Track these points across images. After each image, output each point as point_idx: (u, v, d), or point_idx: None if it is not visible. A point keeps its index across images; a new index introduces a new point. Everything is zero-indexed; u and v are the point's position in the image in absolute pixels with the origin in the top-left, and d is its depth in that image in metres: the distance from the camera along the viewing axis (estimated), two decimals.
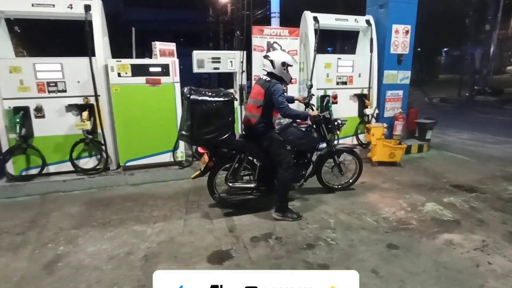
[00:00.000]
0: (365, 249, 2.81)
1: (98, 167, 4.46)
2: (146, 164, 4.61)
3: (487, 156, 5.71)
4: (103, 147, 4.43)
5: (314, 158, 3.88)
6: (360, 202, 3.81)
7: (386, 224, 3.27)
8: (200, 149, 3.47)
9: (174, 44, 4.78)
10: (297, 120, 3.74)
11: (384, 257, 2.69)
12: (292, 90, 5.33)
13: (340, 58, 5.39)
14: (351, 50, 6.18)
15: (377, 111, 5.47)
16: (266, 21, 10.76)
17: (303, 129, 3.69)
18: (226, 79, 5.40)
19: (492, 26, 16.91)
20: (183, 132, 3.16)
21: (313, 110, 3.72)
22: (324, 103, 5.26)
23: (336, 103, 5.38)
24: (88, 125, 4.20)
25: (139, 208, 3.70)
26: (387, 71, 5.65)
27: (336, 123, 3.78)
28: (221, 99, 3.02)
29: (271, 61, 3.29)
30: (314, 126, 3.69)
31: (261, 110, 3.26)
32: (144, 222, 3.35)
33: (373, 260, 2.64)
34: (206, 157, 3.38)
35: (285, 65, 3.29)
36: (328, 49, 21.82)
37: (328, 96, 5.32)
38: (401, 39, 5.59)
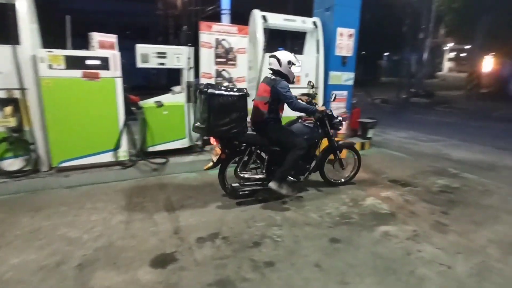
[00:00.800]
0: (310, 245, 2.89)
1: (25, 168, 4.02)
2: (84, 165, 4.26)
3: (420, 153, 6.26)
4: (32, 147, 4.00)
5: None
6: (306, 198, 3.92)
7: (329, 219, 3.40)
8: (213, 141, 3.57)
9: (115, 36, 4.49)
10: (302, 117, 3.97)
11: (327, 251, 2.79)
12: None
13: None
14: (301, 50, 6.34)
15: None
16: (218, 17, 10.65)
17: (308, 125, 3.87)
18: (175, 75, 5.19)
19: (425, 35, 18.67)
20: (199, 124, 3.35)
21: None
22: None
23: None
24: (12, 122, 3.76)
25: (75, 213, 3.40)
26: (332, 72, 5.90)
27: (338, 119, 3.98)
28: (236, 93, 3.23)
29: (278, 60, 3.56)
30: (318, 122, 3.89)
31: (268, 106, 3.53)
32: (80, 228, 3.09)
33: (317, 255, 2.72)
34: (218, 150, 3.52)
35: (290, 63, 3.59)
36: (279, 48, 22.29)
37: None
38: (345, 42, 5.87)
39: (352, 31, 5.90)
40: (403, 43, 19.70)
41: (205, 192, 4.00)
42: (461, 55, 35.48)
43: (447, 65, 37.97)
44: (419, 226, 3.29)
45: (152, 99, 4.77)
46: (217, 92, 3.14)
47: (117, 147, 4.37)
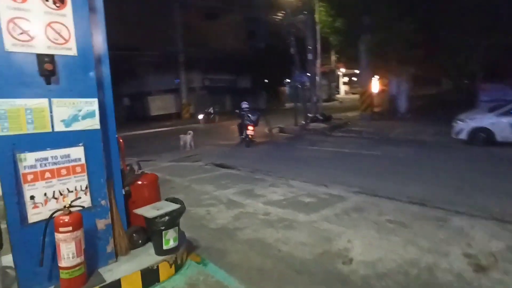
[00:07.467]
0: None
1: None
2: None
3: (292, 264, 2.80)
4: None
5: None
6: None
7: None
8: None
9: None
10: None
11: None
12: None
13: None
14: None
15: None
16: None
17: None
18: None
19: (313, 56, 17.17)
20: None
21: None
22: None
23: None
24: None
25: None
26: (3, 101, 2.09)
27: None
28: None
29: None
30: None
31: None
32: None
33: None
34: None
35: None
36: None
37: None
38: (39, 15, 2.18)
39: None
40: (295, 67, 17.99)
41: None
42: (353, 78, 37.26)
43: (343, 88, 39.59)
44: None
45: None
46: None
47: None
